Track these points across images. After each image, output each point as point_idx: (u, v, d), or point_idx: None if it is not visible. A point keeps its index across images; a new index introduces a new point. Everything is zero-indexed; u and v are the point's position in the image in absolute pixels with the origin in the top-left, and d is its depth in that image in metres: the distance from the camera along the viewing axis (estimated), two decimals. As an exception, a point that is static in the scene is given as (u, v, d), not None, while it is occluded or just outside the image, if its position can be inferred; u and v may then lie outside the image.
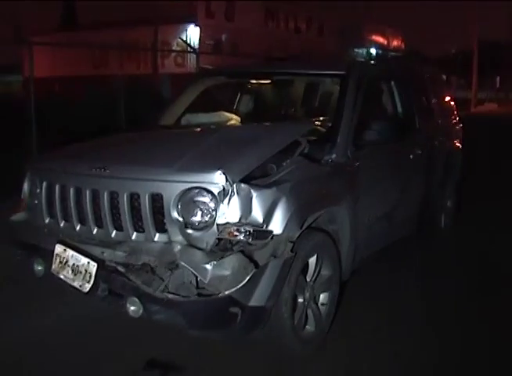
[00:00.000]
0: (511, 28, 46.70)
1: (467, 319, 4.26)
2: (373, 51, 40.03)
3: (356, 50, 38.71)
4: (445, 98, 6.67)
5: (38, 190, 3.75)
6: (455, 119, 6.79)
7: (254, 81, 5.68)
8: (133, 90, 10.59)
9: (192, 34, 23.85)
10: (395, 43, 44.55)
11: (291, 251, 3.13)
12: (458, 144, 6.59)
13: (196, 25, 23.92)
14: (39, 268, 3.60)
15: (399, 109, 5.14)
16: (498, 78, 44.97)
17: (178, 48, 21.15)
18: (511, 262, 5.48)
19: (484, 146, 12.78)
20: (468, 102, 32.67)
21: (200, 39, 23.22)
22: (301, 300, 3.50)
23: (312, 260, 3.56)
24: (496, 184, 8.99)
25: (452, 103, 6.93)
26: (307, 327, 3.63)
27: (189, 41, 19.87)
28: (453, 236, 6.26)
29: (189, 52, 14.08)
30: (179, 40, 19.51)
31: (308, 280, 3.57)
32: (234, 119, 4.95)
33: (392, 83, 5.14)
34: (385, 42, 42.96)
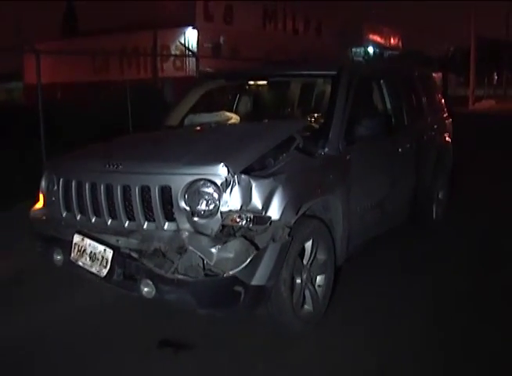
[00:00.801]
0: (509, 25, 46.82)
1: (464, 301, 4.49)
2: (370, 50, 40.36)
3: (354, 49, 39.05)
4: (435, 95, 6.93)
5: (56, 187, 4.03)
6: (444, 115, 7.07)
7: (252, 83, 5.93)
8: (136, 94, 10.87)
9: (191, 37, 24.12)
10: (393, 42, 44.89)
11: (288, 235, 3.42)
12: (448, 139, 6.87)
13: (194, 28, 24.19)
14: (58, 257, 3.90)
15: (388, 106, 5.40)
16: (496, 75, 45.02)
17: (177, 52, 21.42)
18: (495, 242, 5.90)
19: (479, 143, 13.11)
20: (466, 99, 32.79)
21: (197, 42, 23.47)
22: (298, 281, 3.81)
23: (308, 244, 3.86)
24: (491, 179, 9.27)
25: (443, 100, 7.22)
26: (305, 306, 3.93)
27: (187, 45, 20.17)
28: (444, 225, 6.52)
29: (189, 56, 14.36)
30: (178, 43, 19.76)
31: (304, 263, 3.87)
32: (234, 118, 5.22)
33: (382, 82, 5.41)
34: (383, 41, 43.28)
